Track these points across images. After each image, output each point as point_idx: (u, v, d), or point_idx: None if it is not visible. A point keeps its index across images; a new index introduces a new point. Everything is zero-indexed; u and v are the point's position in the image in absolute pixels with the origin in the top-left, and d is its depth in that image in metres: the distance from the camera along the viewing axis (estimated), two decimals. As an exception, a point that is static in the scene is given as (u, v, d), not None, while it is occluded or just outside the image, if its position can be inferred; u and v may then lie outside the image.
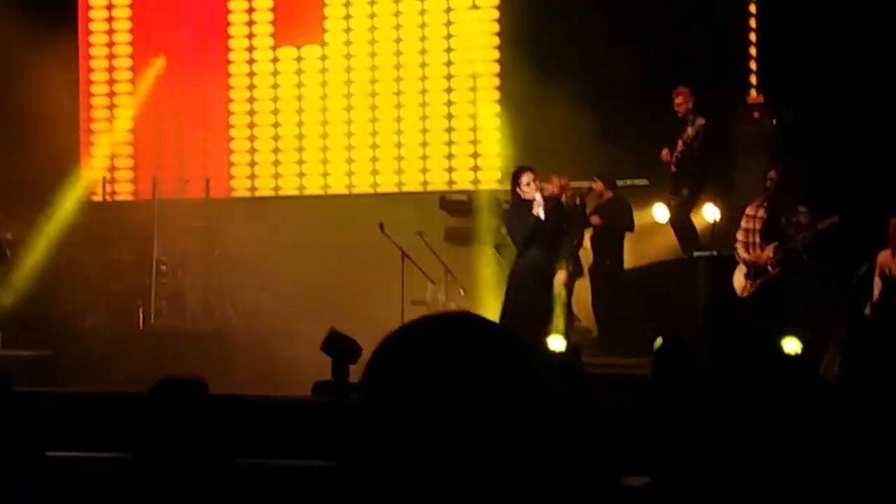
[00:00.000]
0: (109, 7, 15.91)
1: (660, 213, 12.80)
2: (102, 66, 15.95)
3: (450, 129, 14.96)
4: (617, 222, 12.84)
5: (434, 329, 1.75)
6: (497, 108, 14.60)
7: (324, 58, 15.33)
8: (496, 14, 14.73)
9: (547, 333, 11.17)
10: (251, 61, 15.61)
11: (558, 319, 11.96)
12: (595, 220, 12.81)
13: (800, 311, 10.79)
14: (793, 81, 12.69)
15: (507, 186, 11.95)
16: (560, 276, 11.79)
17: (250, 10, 15.65)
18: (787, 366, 10.14)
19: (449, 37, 14.95)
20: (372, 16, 15.18)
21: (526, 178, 11.34)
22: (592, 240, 12.97)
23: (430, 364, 1.68)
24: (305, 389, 10.66)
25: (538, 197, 11.28)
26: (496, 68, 14.72)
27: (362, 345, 11.00)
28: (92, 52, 15.94)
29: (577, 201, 12.65)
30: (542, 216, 11.23)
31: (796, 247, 10.96)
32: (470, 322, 1.74)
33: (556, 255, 11.66)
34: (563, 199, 12.26)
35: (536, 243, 11.34)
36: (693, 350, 10.86)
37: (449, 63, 14.97)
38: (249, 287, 13.91)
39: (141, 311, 14.01)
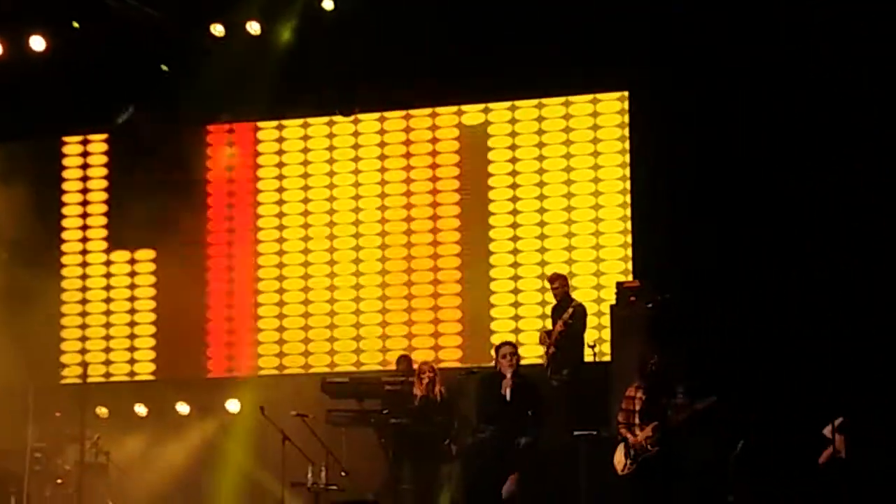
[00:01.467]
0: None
1: None
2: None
3: (332, 314, 15.12)
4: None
5: None
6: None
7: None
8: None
9: None
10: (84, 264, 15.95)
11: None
12: None
13: (679, 488, 10.91)
14: (667, 268, 13.07)
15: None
16: None
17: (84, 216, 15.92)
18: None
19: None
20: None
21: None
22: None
23: None
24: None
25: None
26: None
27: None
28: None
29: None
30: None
31: (675, 427, 11.12)
32: None
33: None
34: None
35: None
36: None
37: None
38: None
39: (13, 499, 13.62)
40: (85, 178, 16.26)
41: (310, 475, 12.79)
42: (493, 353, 12.11)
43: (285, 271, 15.48)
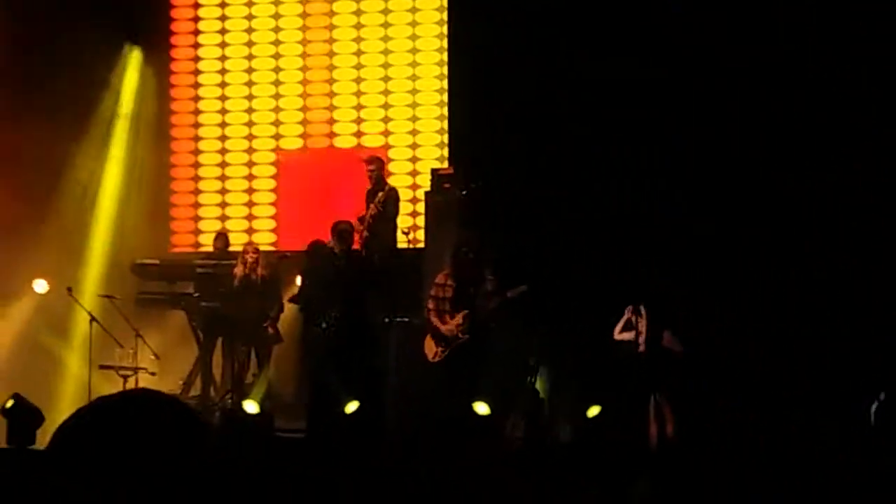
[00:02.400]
0: None
1: None
2: None
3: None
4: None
5: (123, 403, 1.84)
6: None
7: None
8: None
9: None
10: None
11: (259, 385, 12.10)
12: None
13: (488, 375, 11.11)
14: (481, 154, 13.12)
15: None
16: None
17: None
18: (477, 428, 10.41)
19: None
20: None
21: None
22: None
23: (118, 435, 1.78)
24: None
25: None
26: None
27: (45, 410, 10.72)
28: None
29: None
30: None
31: (485, 314, 11.29)
32: (152, 397, 1.86)
33: None
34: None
35: None
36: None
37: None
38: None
39: None
40: None
41: (118, 358, 12.67)
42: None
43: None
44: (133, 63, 14.78)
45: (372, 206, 12.71)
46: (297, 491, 8.86)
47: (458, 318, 11.31)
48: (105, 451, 1.78)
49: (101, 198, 14.56)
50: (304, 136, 14.65)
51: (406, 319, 12.15)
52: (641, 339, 11.03)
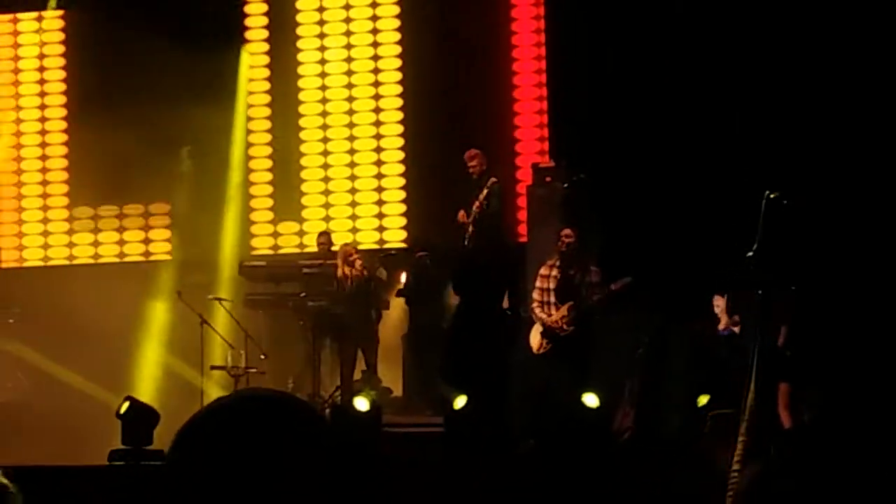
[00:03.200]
0: None
1: None
2: None
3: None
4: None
5: (239, 403, 1.85)
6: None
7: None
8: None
9: None
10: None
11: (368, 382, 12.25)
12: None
13: (595, 367, 11.09)
14: (583, 147, 13.09)
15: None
16: None
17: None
18: (586, 420, 10.42)
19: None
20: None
21: None
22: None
23: (236, 438, 1.77)
24: (101, 458, 10.49)
25: None
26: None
27: (162, 411, 10.93)
28: None
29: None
30: None
31: (590, 306, 11.27)
32: (268, 396, 1.85)
33: None
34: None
35: None
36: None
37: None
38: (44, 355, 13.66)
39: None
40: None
41: (229, 359, 12.86)
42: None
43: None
44: (245, 63, 14.92)
45: (476, 203, 12.68)
46: (414, 485, 8.95)
47: (563, 310, 11.31)
48: (226, 452, 1.79)
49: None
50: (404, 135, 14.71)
51: (510, 312, 12.19)
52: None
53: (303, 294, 13.10)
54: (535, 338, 11.47)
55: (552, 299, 11.40)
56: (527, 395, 11.33)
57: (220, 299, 13.15)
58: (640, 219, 12.39)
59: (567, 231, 11.51)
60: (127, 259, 15.10)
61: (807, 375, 10.26)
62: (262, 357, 13.01)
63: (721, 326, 11.43)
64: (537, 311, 11.45)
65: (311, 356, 12.97)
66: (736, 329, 11.22)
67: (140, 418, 10.88)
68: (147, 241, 15.14)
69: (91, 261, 15.15)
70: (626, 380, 11.41)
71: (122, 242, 15.16)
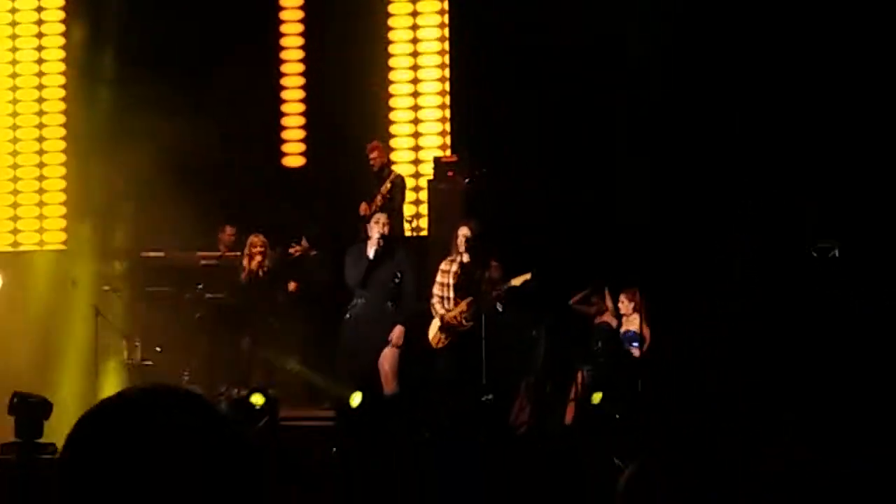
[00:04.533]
0: None
1: None
2: None
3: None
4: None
5: (136, 399, 1.81)
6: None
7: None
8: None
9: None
10: None
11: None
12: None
13: (493, 362, 11.10)
14: (484, 142, 13.11)
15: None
16: None
17: None
18: (481, 414, 10.43)
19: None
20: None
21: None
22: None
23: (133, 433, 1.75)
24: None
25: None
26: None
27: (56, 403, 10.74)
28: None
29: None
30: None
31: (489, 301, 11.28)
32: (168, 392, 1.83)
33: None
34: None
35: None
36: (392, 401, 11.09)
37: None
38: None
39: None
40: None
41: (125, 351, 12.68)
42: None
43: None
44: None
45: (378, 196, 12.66)
46: (309, 479, 8.91)
47: (462, 306, 11.32)
48: (121, 447, 1.74)
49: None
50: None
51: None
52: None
53: (200, 286, 12.95)
54: (433, 332, 11.47)
55: (451, 294, 11.40)
56: (423, 389, 11.33)
57: (115, 290, 12.95)
58: (541, 214, 12.45)
59: (467, 226, 11.51)
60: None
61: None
62: (157, 350, 12.84)
63: (623, 325, 11.59)
64: (437, 305, 11.44)
65: (207, 350, 12.82)
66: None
67: (31, 410, 10.70)
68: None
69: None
70: (523, 375, 11.44)
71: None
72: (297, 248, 12.71)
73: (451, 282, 11.42)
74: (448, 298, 11.42)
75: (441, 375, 11.37)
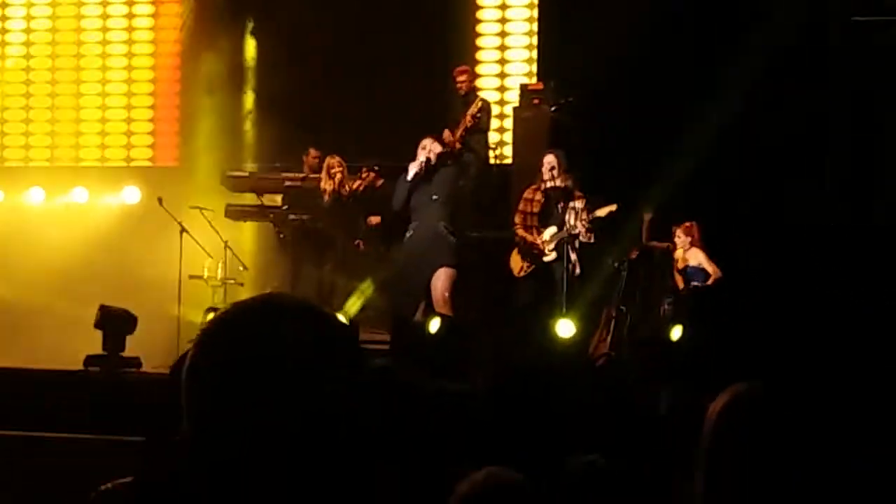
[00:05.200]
0: None
1: None
2: None
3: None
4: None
5: (257, 309, 1.83)
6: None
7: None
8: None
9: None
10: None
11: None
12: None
13: (574, 294, 11.09)
14: (573, 71, 12.96)
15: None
16: None
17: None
18: (562, 346, 10.43)
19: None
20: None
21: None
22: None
23: (255, 342, 1.76)
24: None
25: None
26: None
27: (139, 316, 10.93)
28: None
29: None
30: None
31: (573, 231, 11.23)
32: (286, 301, 1.84)
33: None
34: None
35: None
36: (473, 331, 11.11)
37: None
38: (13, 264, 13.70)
39: None
40: None
41: (206, 269, 12.79)
42: None
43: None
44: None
45: (466, 116, 12.53)
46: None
47: (546, 234, 11.29)
48: (251, 355, 1.77)
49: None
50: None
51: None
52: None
53: (284, 207, 13.02)
54: (515, 260, 11.46)
55: (535, 223, 11.37)
56: (504, 317, 11.34)
57: (200, 208, 13.03)
58: (628, 146, 12.32)
59: (552, 155, 11.44)
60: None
61: None
62: (242, 269, 12.97)
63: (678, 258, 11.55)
64: (520, 233, 11.42)
65: (290, 270, 12.91)
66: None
67: (116, 324, 10.89)
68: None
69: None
70: (604, 306, 11.41)
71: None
72: (360, 180, 12.61)
73: (535, 210, 11.39)
74: (531, 227, 11.39)
75: (522, 302, 11.37)
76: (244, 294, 12.29)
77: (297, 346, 1.77)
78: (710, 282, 11.38)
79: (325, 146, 13.11)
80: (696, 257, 11.49)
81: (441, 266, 11.05)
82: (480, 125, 12.61)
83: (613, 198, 11.16)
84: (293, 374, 1.74)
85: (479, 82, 13.73)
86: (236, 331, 1.80)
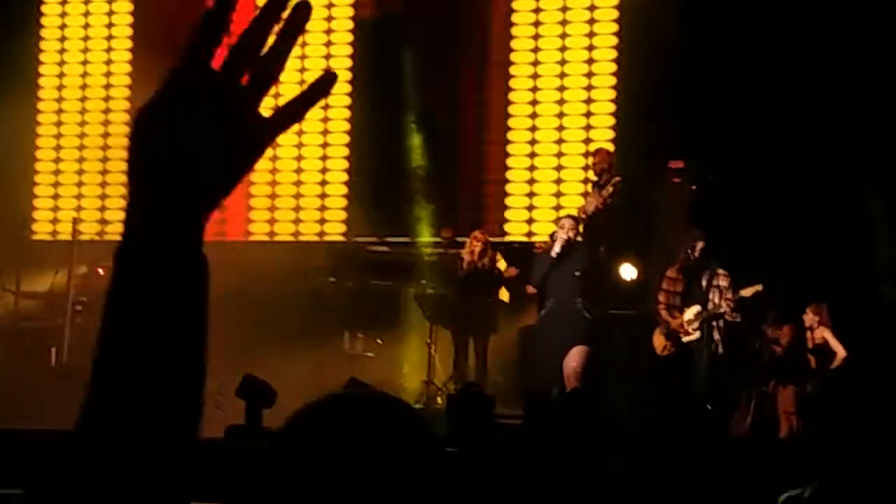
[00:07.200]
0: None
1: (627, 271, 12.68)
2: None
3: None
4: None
5: (350, 403, 1.84)
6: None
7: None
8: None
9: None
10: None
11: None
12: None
13: (718, 374, 10.96)
14: (714, 149, 12.89)
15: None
16: None
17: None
18: (702, 422, 10.29)
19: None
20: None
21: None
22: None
23: (342, 436, 1.76)
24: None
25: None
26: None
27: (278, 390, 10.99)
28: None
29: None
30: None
31: (716, 311, 11.12)
32: (376, 399, 1.85)
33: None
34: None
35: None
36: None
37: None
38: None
39: (53, 350, 13.65)
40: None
41: (346, 342, 12.89)
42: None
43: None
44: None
45: (596, 197, 12.46)
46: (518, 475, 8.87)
47: (690, 314, 11.19)
48: (331, 446, 1.79)
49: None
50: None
51: (632, 312, 12.06)
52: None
53: (423, 281, 13.09)
54: (658, 339, 11.36)
55: (678, 302, 11.28)
56: (648, 396, 11.21)
57: (334, 280, 13.14)
58: (771, 224, 12.17)
59: (698, 235, 11.37)
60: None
61: None
62: (378, 342, 13.04)
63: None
64: (663, 313, 11.33)
65: (427, 344, 12.92)
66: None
67: (257, 395, 10.95)
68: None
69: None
70: (746, 387, 11.23)
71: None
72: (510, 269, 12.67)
73: (679, 290, 11.30)
74: (675, 307, 11.30)
75: (665, 384, 11.25)
76: (378, 367, 12.34)
77: (374, 443, 1.79)
78: (836, 363, 11.20)
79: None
80: (821, 337, 11.32)
81: (576, 344, 11.06)
82: (612, 207, 12.52)
83: (756, 273, 11.04)
84: (373, 469, 1.76)
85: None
86: (323, 421, 1.82)
